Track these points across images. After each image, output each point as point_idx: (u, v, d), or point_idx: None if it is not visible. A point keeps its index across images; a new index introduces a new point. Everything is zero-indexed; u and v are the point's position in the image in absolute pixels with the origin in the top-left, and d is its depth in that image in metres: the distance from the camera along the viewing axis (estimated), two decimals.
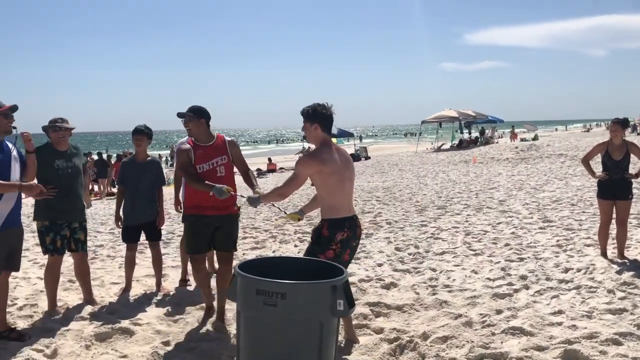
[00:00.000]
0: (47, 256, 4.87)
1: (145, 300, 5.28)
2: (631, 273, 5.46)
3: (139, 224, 5.50)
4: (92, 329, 4.40)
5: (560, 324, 4.23)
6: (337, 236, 3.74)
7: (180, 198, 5.98)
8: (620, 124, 6.21)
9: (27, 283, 5.90)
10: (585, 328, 4.09)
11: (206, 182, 4.25)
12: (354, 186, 4.02)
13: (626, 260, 6.01)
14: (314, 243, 3.83)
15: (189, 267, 6.10)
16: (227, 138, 4.62)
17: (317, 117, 3.76)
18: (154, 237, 5.62)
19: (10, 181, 4.04)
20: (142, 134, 5.46)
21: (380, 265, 6.39)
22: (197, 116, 4.46)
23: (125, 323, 4.52)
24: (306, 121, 3.80)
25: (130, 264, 5.60)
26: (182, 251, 5.94)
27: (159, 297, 5.38)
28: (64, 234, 4.80)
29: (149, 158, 5.63)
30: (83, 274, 5.16)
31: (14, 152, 4.21)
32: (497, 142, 32.86)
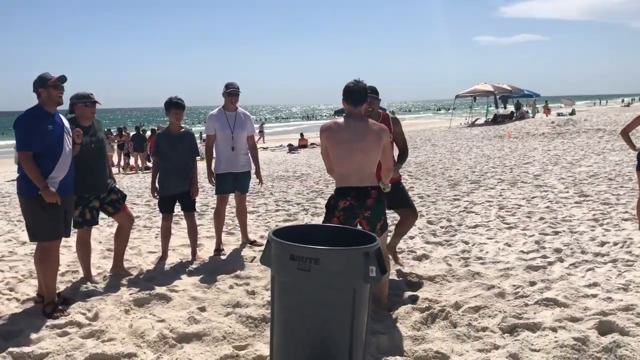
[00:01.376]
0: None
1: (180, 269, 5.41)
2: None
3: (173, 194, 5.61)
4: (131, 295, 4.55)
5: (595, 296, 4.18)
6: (340, 204, 3.84)
7: (212, 170, 6.07)
8: None
9: (68, 251, 6.10)
10: (621, 300, 4.02)
11: None
12: (372, 158, 3.89)
13: None
14: (325, 212, 3.97)
15: (223, 237, 6.26)
16: (391, 116, 4.89)
17: (344, 92, 3.95)
18: (189, 208, 5.72)
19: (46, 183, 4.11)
20: (181, 107, 5.54)
21: (412, 237, 6.39)
22: (378, 96, 4.70)
23: (162, 289, 4.65)
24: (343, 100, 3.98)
25: (166, 234, 5.74)
26: (217, 222, 6.05)
27: (194, 266, 5.51)
28: (93, 205, 4.90)
29: (183, 129, 5.71)
30: (123, 237, 5.23)
31: (66, 124, 4.35)
32: (533, 117, 32.11)
